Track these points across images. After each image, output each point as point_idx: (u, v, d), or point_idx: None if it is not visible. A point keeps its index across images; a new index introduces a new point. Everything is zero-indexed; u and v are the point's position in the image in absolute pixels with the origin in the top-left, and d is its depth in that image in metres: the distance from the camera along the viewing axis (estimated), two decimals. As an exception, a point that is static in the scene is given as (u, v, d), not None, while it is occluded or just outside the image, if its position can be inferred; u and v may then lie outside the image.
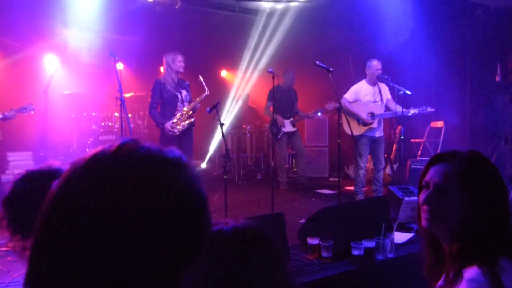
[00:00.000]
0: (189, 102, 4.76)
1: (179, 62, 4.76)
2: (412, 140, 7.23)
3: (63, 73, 7.64)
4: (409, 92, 5.28)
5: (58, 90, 7.44)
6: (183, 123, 4.65)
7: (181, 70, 4.80)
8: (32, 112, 4.96)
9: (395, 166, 6.69)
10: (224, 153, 3.95)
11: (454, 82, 7.05)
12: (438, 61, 7.23)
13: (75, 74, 7.75)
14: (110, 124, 7.09)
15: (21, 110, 4.82)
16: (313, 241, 3.05)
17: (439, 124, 7.00)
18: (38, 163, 6.54)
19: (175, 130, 4.62)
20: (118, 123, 7.10)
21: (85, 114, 7.11)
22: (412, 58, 7.55)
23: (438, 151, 6.90)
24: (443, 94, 7.17)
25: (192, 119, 4.74)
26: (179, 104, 4.74)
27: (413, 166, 6.29)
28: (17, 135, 6.41)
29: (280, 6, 7.11)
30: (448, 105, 7.04)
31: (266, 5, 6.51)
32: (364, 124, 5.50)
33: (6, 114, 4.64)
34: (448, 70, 7.11)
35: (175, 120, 4.63)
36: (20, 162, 6.38)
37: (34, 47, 7.33)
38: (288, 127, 6.74)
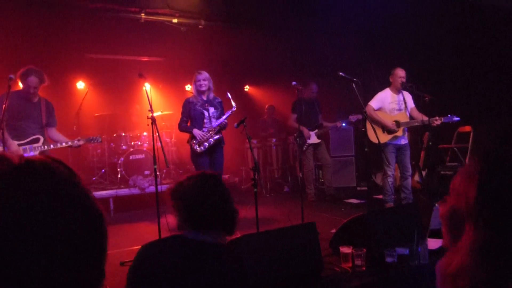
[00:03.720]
0: (217, 118, 4.87)
1: (198, 81, 4.89)
2: (440, 146, 7.15)
3: (93, 96, 7.93)
4: (434, 99, 5.26)
5: (88, 113, 7.73)
6: (210, 139, 4.76)
7: (201, 88, 4.87)
8: (99, 142, 4.99)
9: (423, 173, 6.62)
10: (253, 166, 4.01)
11: (480, 85, 6.97)
12: (463, 66, 7.16)
13: (104, 96, 8.05)
14: (139, 143, 7.26)
15: (90, 140, 4.87)
16: (345, 250, 3.08)
17: (467, 128, 6.91)
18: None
19: (204, 144, 4.71)
20: (147, 142, 7.29)
21: (115, 135, 7.31)
22: (436, 63, 7.51)
23: (467, 156, 6.85)
24: (469, 98, 7.09)
25: (219, 136, 4.82)
26: (205, 121, 4.86)
27: (442, 172, 6.22)
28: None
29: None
30: (475, 109, 6.95)
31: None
32: (389, 132, 5.50)
33: (76, 142, 4.65)
34: (474, 73, 7.04)
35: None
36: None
37: (67, 73, 7.66)
38: (313, 139, 6.78)
